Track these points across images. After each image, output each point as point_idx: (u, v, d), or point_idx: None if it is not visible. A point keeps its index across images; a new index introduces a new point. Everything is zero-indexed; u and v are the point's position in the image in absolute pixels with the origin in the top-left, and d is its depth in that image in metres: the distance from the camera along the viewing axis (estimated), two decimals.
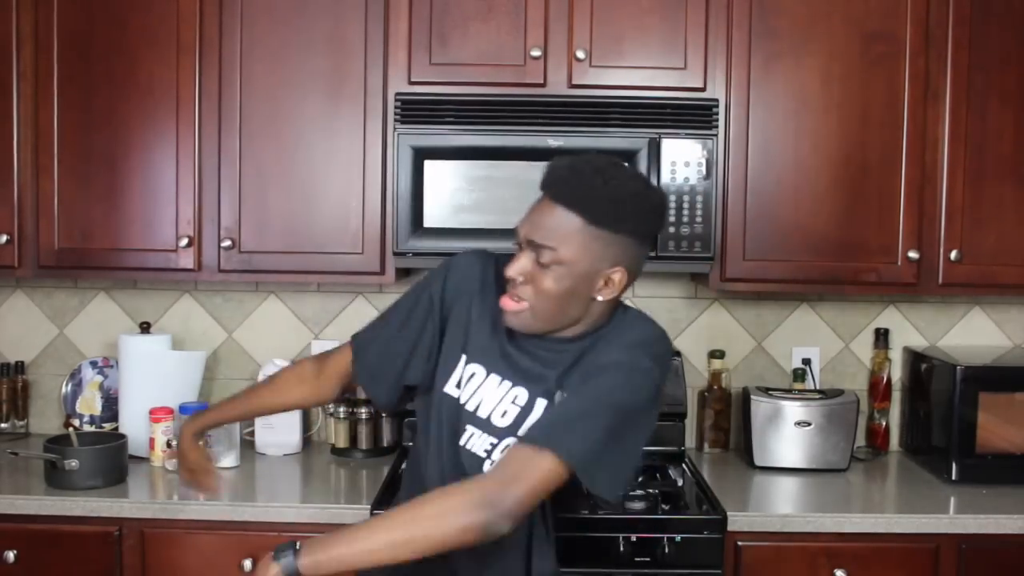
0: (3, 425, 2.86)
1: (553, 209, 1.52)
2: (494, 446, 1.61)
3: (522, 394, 1.61)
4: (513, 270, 1.55)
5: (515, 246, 1.58)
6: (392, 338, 1.72)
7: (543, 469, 1.44)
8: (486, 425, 1.61)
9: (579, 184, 1.50)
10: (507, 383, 1.61)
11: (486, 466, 1.60)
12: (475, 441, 1.62)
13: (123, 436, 2.50)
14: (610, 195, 1.50)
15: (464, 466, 1.61)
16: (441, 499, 1.43)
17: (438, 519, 1.40)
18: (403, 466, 2.11)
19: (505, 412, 1.60)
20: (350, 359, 1.77)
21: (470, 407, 1.63)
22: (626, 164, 1.63)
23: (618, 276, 1.55)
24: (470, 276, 1.68)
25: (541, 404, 1.60)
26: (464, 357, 1.65)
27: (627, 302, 2.83)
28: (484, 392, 1.62)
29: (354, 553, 1.38)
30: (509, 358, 1.62)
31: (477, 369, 1.63)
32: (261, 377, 2.74)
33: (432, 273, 1.74)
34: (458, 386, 1.64)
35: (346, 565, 1.39)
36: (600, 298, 1.57)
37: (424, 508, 1.42)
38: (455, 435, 1.63)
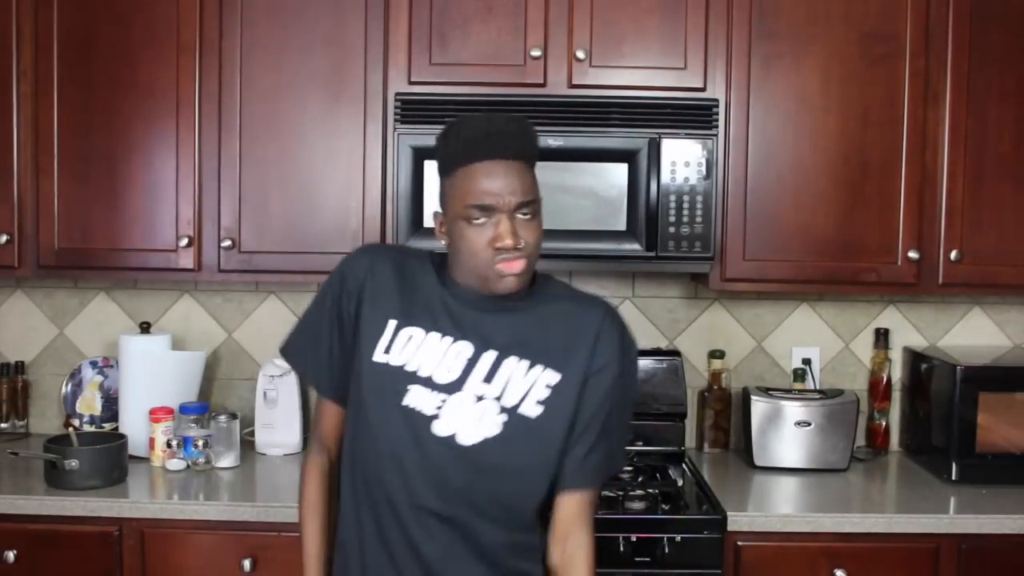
0: (3, 425, 2.86)
1: (512, 166, 1.61)
2: (443, 403, 1.60)
3: (466, 348, 1.62)
4: (516, 239, 1.57)
5: (478, 219, 1.60)
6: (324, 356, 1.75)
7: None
8: (428, 383, 1.61)
9: (518, 136, 1.64)
10: (449, 338, 1.63)
11: (434, 425, 1.59)
12: (419, 400, 1.61)
13: (123, 436, 2.50)
14: (530, 131, 1.66)
15: (412, 425, 1.60)
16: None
17: None
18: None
19: (450, 368, 1.61)
20: (332, 414, 1.75)
21: (409, 368, 1.62)
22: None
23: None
24: (364, 268, 1.70)
25: (489, 357, 1.61)
26: (394, 323, 1.65)
27: (628, 302, 2.91)
28: (425, 352, 1.62)
29: None
30: (452, 315, 1.64)
31: (414, 331, 1.64)
32: (260, 378, 2.75)
33: (331, 278, 1.74)
34: (387, 351, 1.64)
35: None
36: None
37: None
38: (396, 397, 1.62)
